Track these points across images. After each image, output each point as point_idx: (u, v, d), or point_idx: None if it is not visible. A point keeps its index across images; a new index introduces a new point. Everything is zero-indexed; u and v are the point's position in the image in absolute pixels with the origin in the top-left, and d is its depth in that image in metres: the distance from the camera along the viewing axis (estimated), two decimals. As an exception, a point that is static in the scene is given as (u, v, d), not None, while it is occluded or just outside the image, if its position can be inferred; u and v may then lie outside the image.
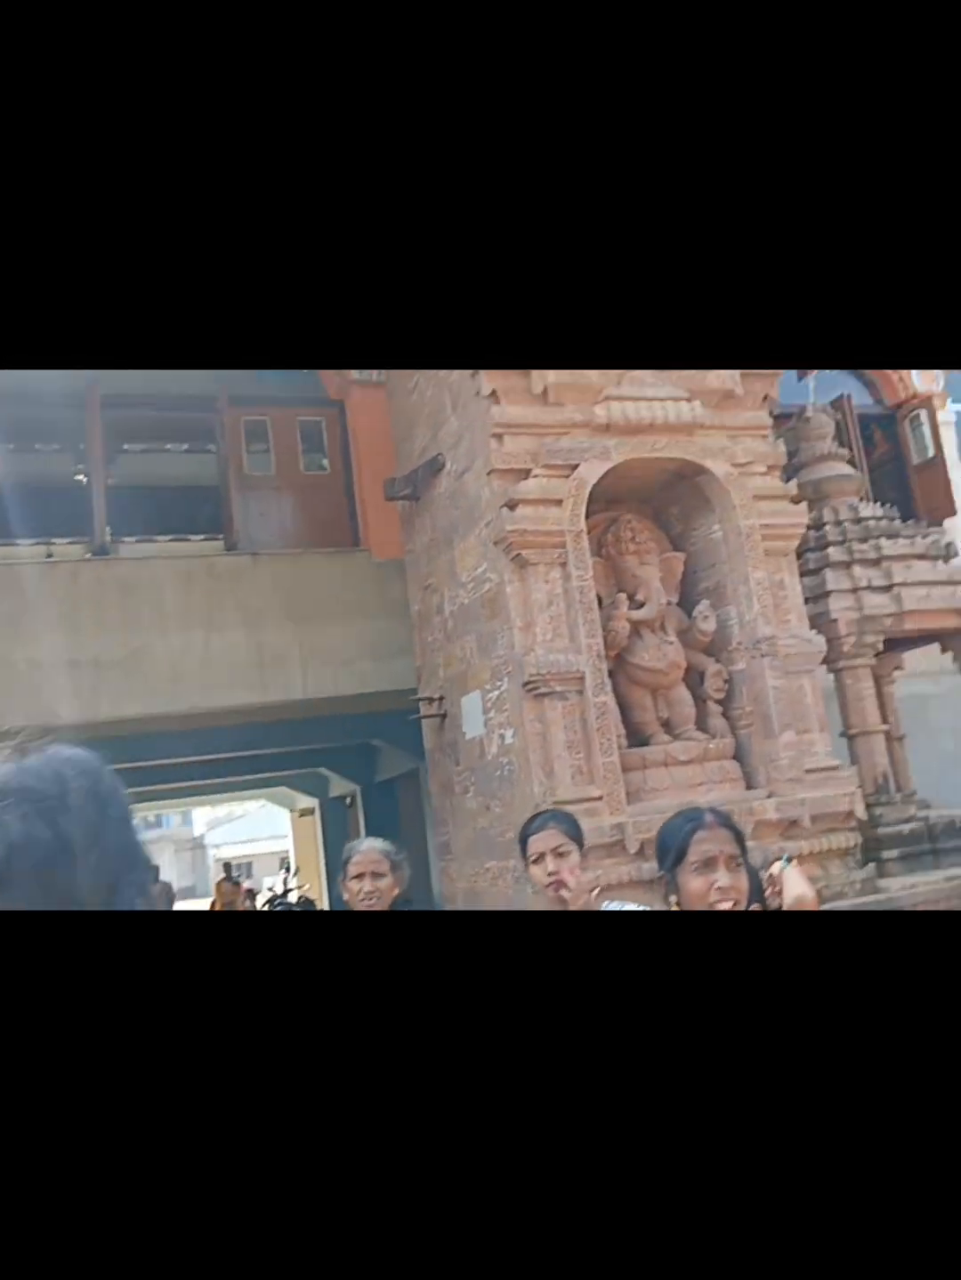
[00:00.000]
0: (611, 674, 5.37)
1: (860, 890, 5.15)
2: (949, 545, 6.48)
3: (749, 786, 5.37)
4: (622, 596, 5.28)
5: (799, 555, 6.30)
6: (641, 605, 5.37)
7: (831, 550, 6.14)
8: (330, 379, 8.01)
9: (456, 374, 5.55)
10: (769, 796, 5.21)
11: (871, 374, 9.84)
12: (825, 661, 5.81)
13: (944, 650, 6.40)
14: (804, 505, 5.62)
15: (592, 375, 5.30)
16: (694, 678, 5.56)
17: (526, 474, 5.14)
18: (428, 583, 6.33)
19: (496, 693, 5.34)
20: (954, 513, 9.34)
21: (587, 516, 5.45)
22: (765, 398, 5.74)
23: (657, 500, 5.95)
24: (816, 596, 6.04)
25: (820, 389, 9.58)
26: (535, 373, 5.16)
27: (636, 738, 5.43)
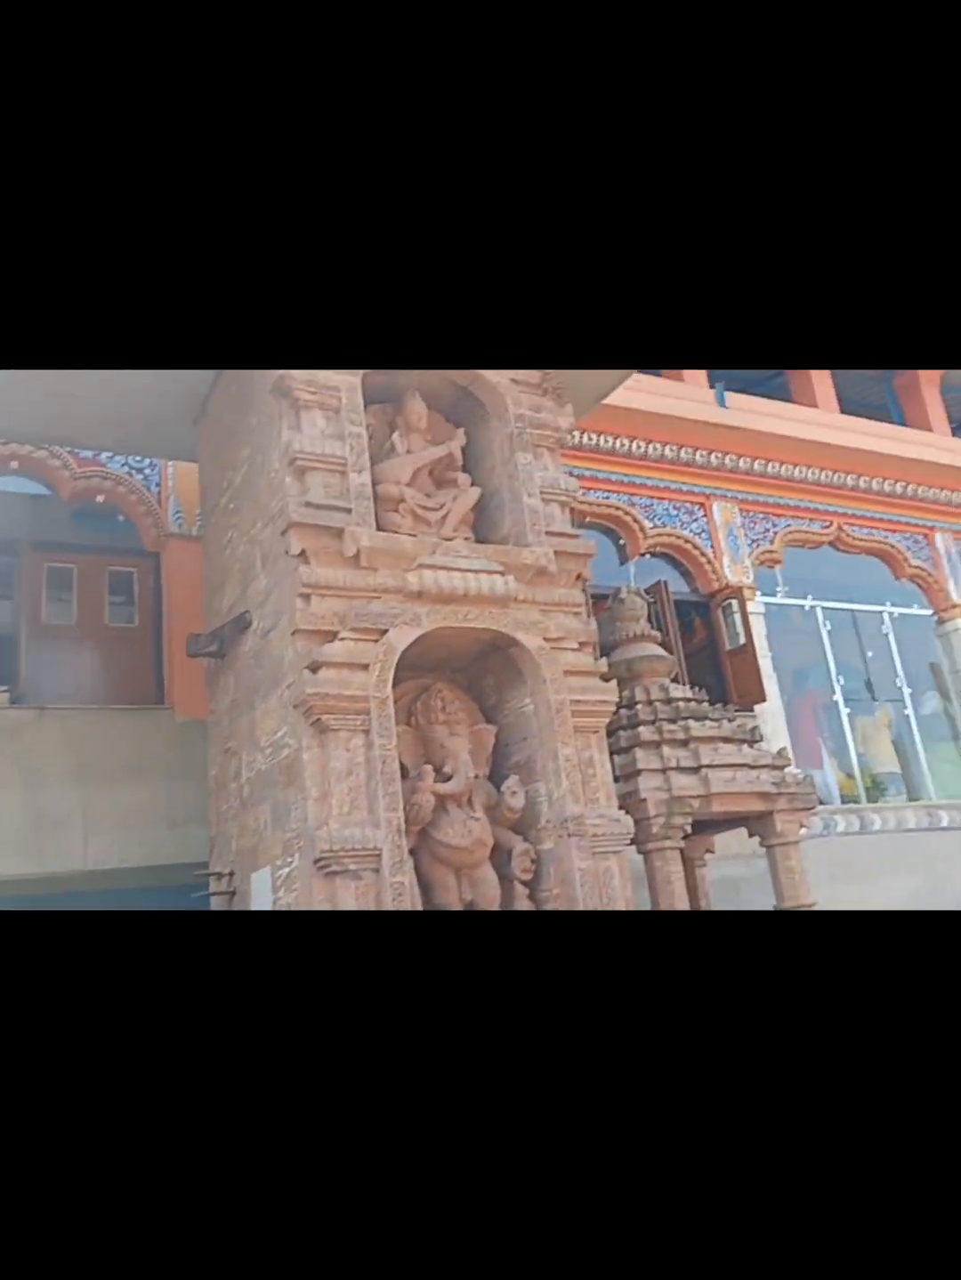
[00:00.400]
0: (413, 851, 5.05)
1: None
2: (754, 729, 6.62)
3: (554, 976, 5.06)
4: (428, 768, 5.05)
5: (610, 734, 6.28)
6: (449, 778, 5.15)
7: (641, 730, 6.15)
8: (147, 530, 7.74)
9: (267, 532, 5.38)
10: (574, 987, 4.90)
11: (686, 564, 10.34)
12: (634, 842, 5.69)
13: (750, 834, 6.41)
14: (614, 683, 5.63)
15: (405, 542, 5.24)
16: (501, 857, 5.31)
17: (333, 636, 4.93)
18: (227, 746, 5.93)
19: (286, 869, 4.91)
20: (764, 699, 9.72)
21: (396, 684, 5.26)
22: (578, 576, 5.82)
23: (471, 671, 5.84)
24: (626, 776, 5.98)
25: (638, 576, 9.98)
26: (347, 535, 5.05)
27: (438, 921, 5.07)
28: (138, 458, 7.70)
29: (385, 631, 5.02)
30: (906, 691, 11.25)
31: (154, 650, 7.61)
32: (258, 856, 5.31)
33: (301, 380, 5.23)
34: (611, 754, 6.08)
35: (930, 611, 11.73)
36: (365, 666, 4.90)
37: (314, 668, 4.82)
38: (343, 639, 4.93)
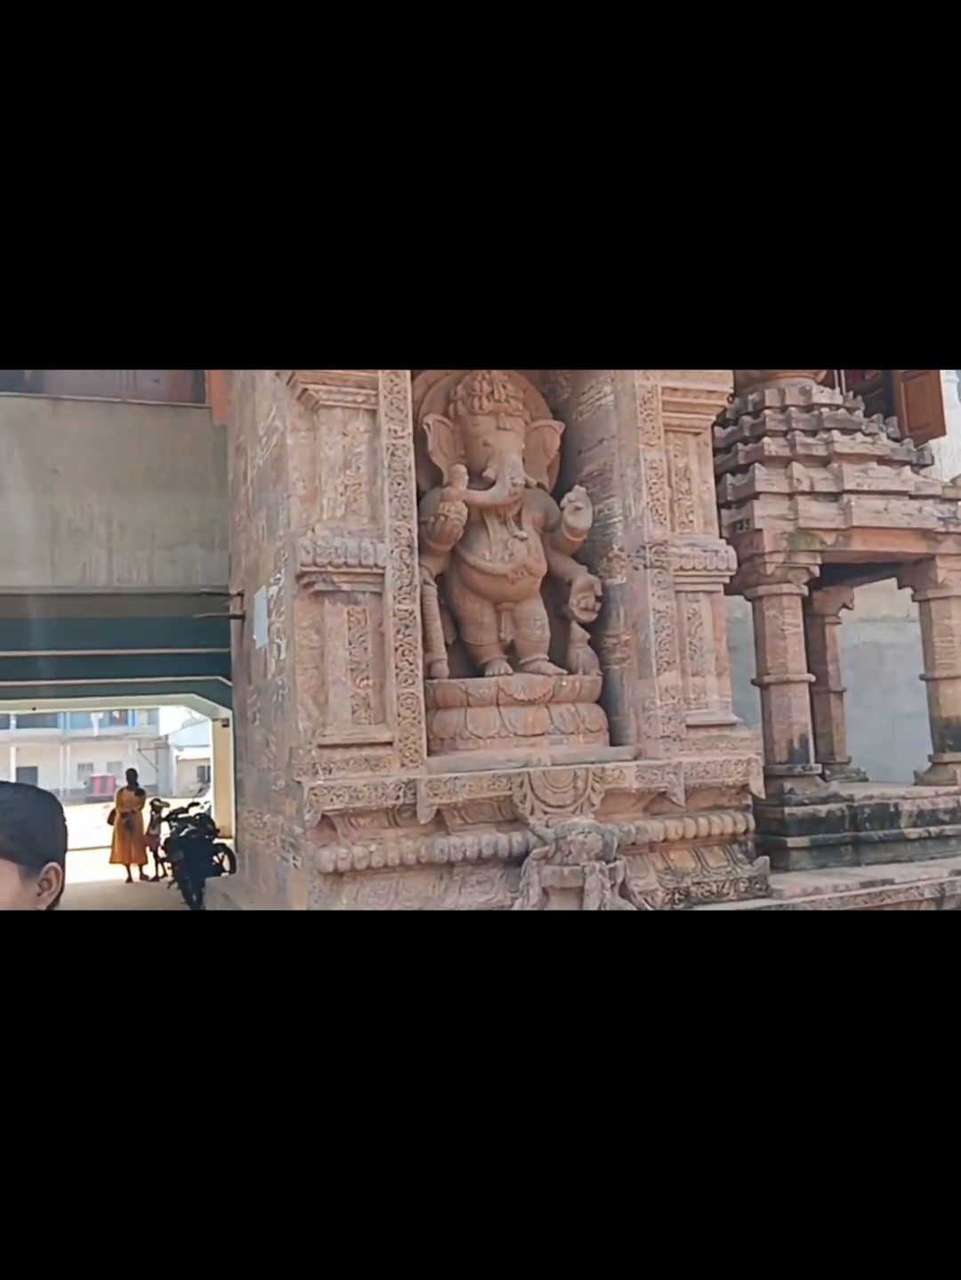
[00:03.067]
0: (441, 577, 3.95)
1: (745, 891, 3.81)
2: (923, 451, 5.02)
3: (613, 741, 4.00)
4: (460, 469, 3.81)
5: (725, 449, 4.84)
6: (490, 484, 3.92)
7: (767, 442, 4.67)
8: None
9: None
10: (635, 758, 3.83)
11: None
12: (740, 585, 4.40)
13: (901, 584, 4.98)
14: (727, 372, 4.13)
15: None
16: (556, 590, 4.14)
17: (333, 281, 3.62)
18: (238, 441, 4.85)
19: (275, 588, 3.91)
20: (943, 432, 7.86)
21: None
22: (692, 217, 4.20)
23: (542, 353, 4.44)
24: (739, 500, 4.59)
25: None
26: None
27: (469, 666, 4.03)
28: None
29: (405, 276, 3.65)
30: None
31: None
32: (258, 574, 4.32)
33: None
34: (724, 474, 4.69)
35: None
36: (374, 323, 3.59)
37: (301, 320, 3.56)
38: (345, 284, 3.60)
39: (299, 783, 3.36)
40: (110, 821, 13.06)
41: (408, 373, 3.63)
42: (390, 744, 3.47)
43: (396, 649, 3.51)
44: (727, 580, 4.06)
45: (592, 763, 3.70)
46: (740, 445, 4.77)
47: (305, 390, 3.53)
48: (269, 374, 3.97)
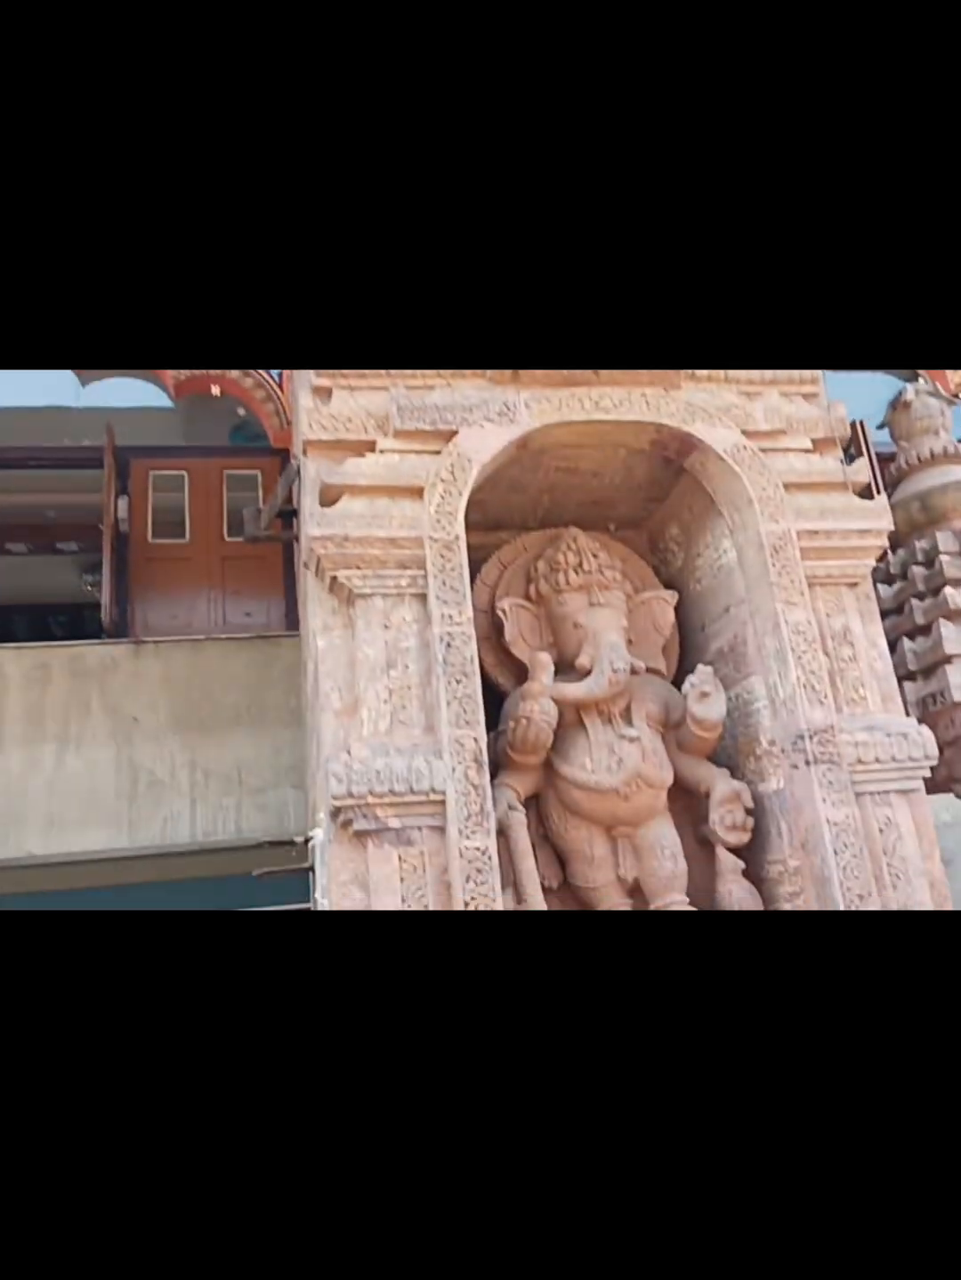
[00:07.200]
0: (532, 800, 3.03)
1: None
2: None
3: (795, 1016, 2.82)
4: (544, 657, 2.96)
5: (896, 611, 3.85)
6: (586, 674, 3.04)
7: (951, 593, 3.64)
8: (270, 421, 6.22)
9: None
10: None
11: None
12: (943, 777, 3.26)
13: None
14: (881, 503, 3.21)
15: (486, 290, 3.19)
16: (694, 806, 3.12)
17: (369, 449, 3.01)
18: (303, 659, 4.20)
19: (318, 832, 3.07)
20: None
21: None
22: (807, 334, 3.45)
23: (647, 517, 3.67)
24: (927, 668, 3.53)
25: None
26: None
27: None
28: (252, 335, 6.20)
29: (454, 433, 3.00)
30: None
31: (285, 568, 6.08)
32: (316, 812, 3.52)
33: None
34: (898, 639, 3.68)
35: None
36: (417, 491, 2.92)
37: (327, 498, 2.92)
38: (382, 451, 2.98)
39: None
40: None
41: (463, 544, 2.89)
42: (466, 1043, 2.45)
43: (468, 902, 2.55)
44: (928, 773, 2.94)
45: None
46: (914, 601, 3.75)
47: (335, 579, 2.84)
48: (310, 574, 3.34)
